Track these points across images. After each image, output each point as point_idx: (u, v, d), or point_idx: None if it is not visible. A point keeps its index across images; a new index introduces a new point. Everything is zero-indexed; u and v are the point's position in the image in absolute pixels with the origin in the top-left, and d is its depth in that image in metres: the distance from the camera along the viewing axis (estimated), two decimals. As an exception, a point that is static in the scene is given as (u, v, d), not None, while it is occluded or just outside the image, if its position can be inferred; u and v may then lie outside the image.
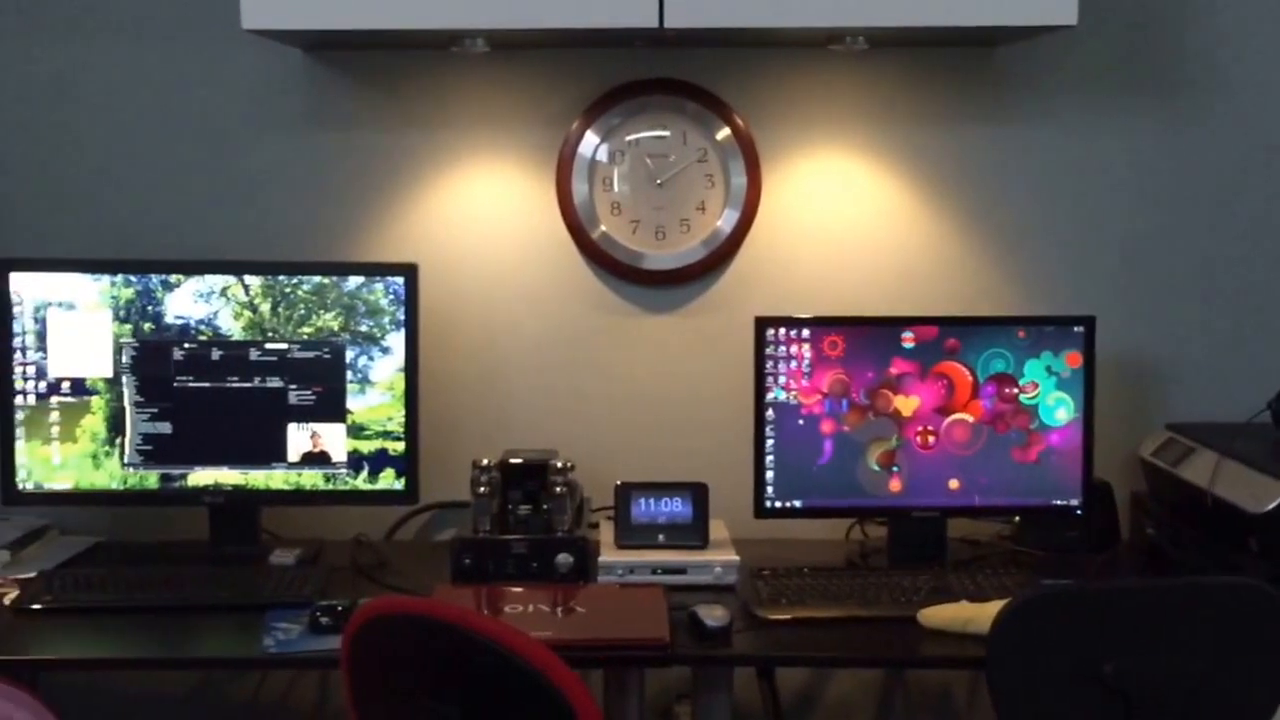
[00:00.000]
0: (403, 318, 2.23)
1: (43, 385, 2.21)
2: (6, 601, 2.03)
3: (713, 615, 1.92)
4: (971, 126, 2.39)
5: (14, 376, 2.21)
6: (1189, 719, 1.68)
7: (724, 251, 2.41)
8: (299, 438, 2.24)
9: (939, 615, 1.93)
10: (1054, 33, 2.21)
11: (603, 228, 2.40)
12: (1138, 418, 2.40)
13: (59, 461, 2.22)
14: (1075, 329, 2.21)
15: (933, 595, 2.01)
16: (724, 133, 2.38)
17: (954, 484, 2.22)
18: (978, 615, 1.89)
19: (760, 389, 2.22)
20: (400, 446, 2.24)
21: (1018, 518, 2.33)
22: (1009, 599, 1.72)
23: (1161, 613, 1.66)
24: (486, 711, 1.55)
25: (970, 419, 2.22)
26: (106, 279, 2.21)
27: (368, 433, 2.24)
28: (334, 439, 2.24)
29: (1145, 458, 2.30)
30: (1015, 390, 2.21)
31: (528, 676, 1.48)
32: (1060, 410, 2.21)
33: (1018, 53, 2.37)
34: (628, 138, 2.39)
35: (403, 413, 2.24)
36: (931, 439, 2.22)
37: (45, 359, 2.21)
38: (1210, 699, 1.67)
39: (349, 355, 2.23)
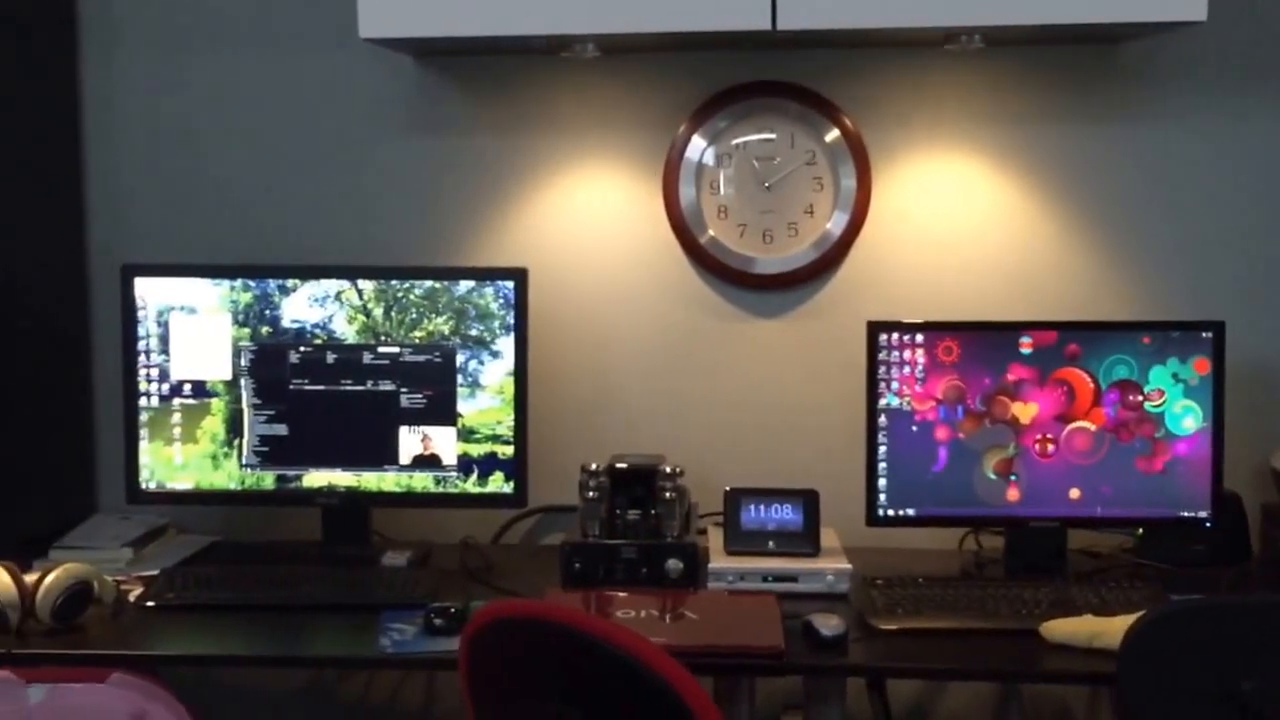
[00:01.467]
0: (512, 322, 2.24)
1: (165, 387, 2.27)
2: (131, 598, 2.08)
3: (828, 624, 1.89)
4: (1092, 126, 2.33)
5: (139, 379, 2.26)
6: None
7: (833, 255, 2.38)
8: (410, 440, 2.26)
9: (1063, 628, 1.87)
10: (1181, 29, 2.14)
11: (710, 232, 2.38)
12: (1267, 426, 2.31)
13: (180, 462, 2.27)
14: (1204, 335, 2.13)
15: (1054, 608, 1.95)
16: (833, 134, 2.35)
17: (1075, 494, 2.16)
18: (1104, 629, 1.83)
19: (872, 395, 2.18)
20: (509, 450, 2.25)
21: (1141, 530, 2.25)
22: (1140, 613, 1.66)
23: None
24: (607, 715, 1.54)
25: (1092, 427, 2.15)
26: (226, 284, 2.25)
27: (478, 436, 2.25)
28: (444, 442, 2.26)
29: (1277, 467, 2.21)
30: (1140, 398, 2.14)
31: (650, 682, 1.46)
32: (1188, 419, 2.14)
33: (1142, 50, 2.30)
34: (734, 141, 2.37)
35: (512, 416, 2.24)
36: (1051, 447, 2.16)
37: (168, 361, 2.26)
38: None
39: (459, 359, 2.25)
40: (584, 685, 1.59)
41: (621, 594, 2.03)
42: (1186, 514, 2.15)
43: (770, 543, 2.16)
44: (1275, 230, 2.33)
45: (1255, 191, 2.32)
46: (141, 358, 2.26)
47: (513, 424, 2.25)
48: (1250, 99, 2.30)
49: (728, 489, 2.20)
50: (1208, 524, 2.15)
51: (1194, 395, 2.14)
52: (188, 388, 2.27)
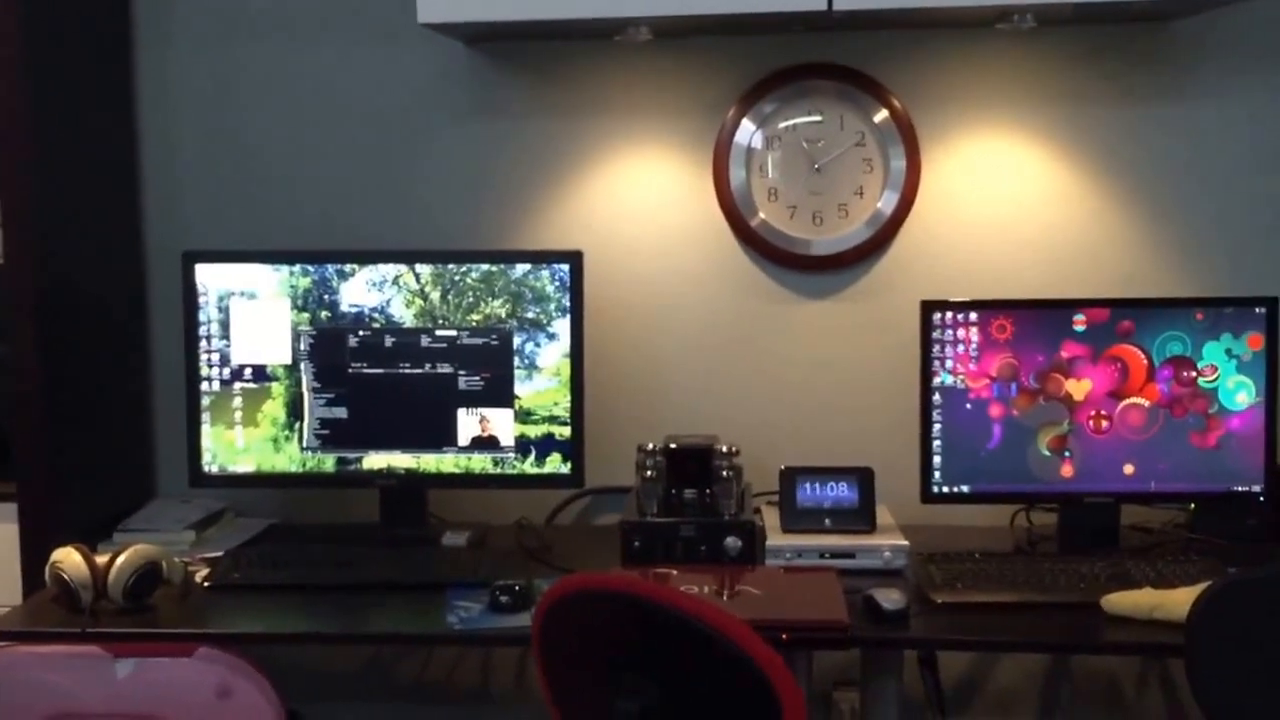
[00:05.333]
0: (568, 304, 2.26)
1: (226, 372, 2.30)
2: (197, 579, 2.11)
3: (889, 598, 1.91)
4: (1141, 105, 2.34)
5: (200, 364, 2.29)
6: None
7: (883, 236, 2.40)
8: (468, 422, 2.29)
9: (1124, 601, 1.89)
10: (1231, 5, 2.15)
11: (761, 214, 2.40)
12: (1318, 402, 2.33)
13: (242, 445, 2.30)
14: (1257, 310, 2.15)
15: (1112, 582, 1.97)
16: (881, 115, 2.37)
17: (1129, 469, 2.18)
18: (1165, 601, 1.85)
19: (926, 373, 2.20)
20: (566, 431, 2.28)
21: (1193, 505, 2.27)
22: (1207, 584, 1.68)
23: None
24: (685, 688, 1.57)
25: (1146, 403, 2.17)
26: (285, 269, 2.28)
27: (535, 417, 2.28)
28: (502, 424, 2.28)
29: (1329, 442, 2.23)
30: (1193, 374, 2.16)
31: (729, 654, 1.49)
32: (1241, 394, 2.16)
33: (1192, 27, 2.31)
34: (783, 124, 2.39)
35: (569, 398, 2.27)
36: (1105, 423, 2.18)
37: (229, 346, 2.29)
38: None
39: (516, 341, 2.27)
40: (660, 657, 1.61)
41: (683, 571, 2.05)
42: (1240, 488, 2.17)
43: (826, 520, 2.18)
44: (1324, 207, 2.34)
45: (1304, 168, 2.34)
46: (203, 343, 2.29)
47: (569, 405, 2.27)
48: (1299, 76, 2.32)
49: (783, 468, 2.22)
50: (1261, 498, 2.17)
51: (1247, 370, 2.16)
52: (248, 372, 2.30)
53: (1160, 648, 1.90)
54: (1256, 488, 2.16)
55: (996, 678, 2.47)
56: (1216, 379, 2.16)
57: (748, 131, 2.39)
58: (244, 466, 2.31)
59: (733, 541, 2.13)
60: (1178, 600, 1.81)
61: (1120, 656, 2.37)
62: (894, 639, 1.92)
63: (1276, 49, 2.31)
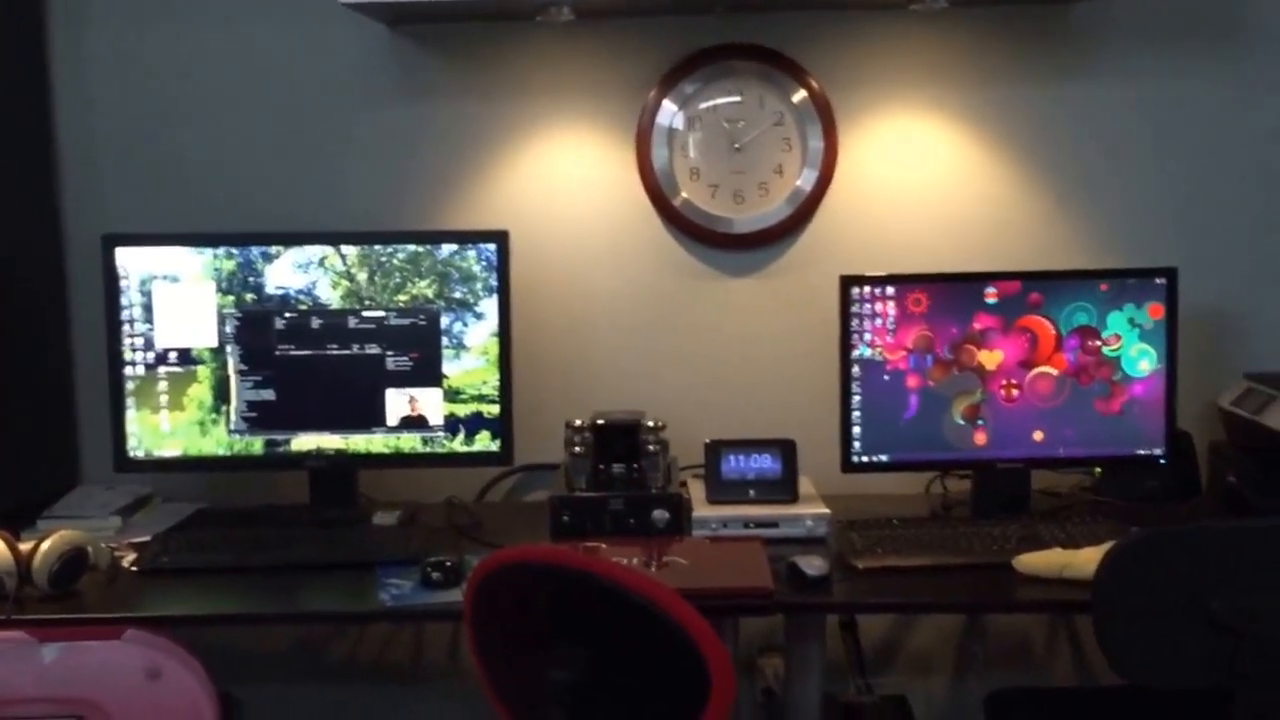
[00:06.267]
0: (495, 283, 2.29)
1: (151, 356, 2.28)
2: (125, 564, 2.11)
3: (812, 565, 1.97)
4: (1049, 85, 2.42)
5: (123, 348, 2.27)
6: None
7: (802, 213, 2.45)
8: (397, 402, 2.30)
9: (1035, 561, 1.97)
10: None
11: (683, 194, 2.45)
12: (1214, 368, 2.44)
13: (168, 429, 2.29)
14: (1157, 281, 2.24)
15: (1023, 543, 2.05)
16: (800, 95, 2.42)
17: (1038, 436, 2.27)
18: (1073, 560, 1.94)
19: (846, 346, 2.26)
20: (495, 409, 2.30)
21: (1099, 469, 2.37)
22: (1114, 542, 1.76)
23: (1265, 551, 1.70)
24: (617, 657, 1.61)
25: (1054, 372, 2.26)
26: (209, 252, 2.27)
27: (463, 396, 2.30)
28: (431, 403, 2.30)
29: (1225, 407, 2.33)
30: (1098, 343, 2.25)
31: (660, 622, 1.53)
32: (1143, 361, 2.25)
33: (1094, 9, 2.39)
34: (704, 104, 2.43)
35: (497, 376, 2.30)
36: (1015, 392, 2.26)
37: (152, 330, 2.28)
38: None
39: (444, 321, 2.29)
40: (591, 628, 1.65)
41: (612, 544, 2.09)
42: (1142, 452, 2.27)
43: (750, 491, 2.23)
44: (1223, 180, 2.44)
45: (1205, 143, 2.43)
46: (125, 327, 2.27)
47: (497, 384, 2.30)
48: (1197, 54, 2.40)
49: (708, 441, 2.27)
50: (1162, 461, 2.27)
51: (1149, 339, 2.25)
52: (173, 355, 2.28)
53: (1069, 605, 1.99)
54: (1158, 451, 2.26)
55: (914, 639, 2.56)
56: (1120, 347, 2.25)
57: (669, 112, 2.42)
58: (170, 451, 2.30)
59: (660, 514, 2.17)
60: (1085, 559, 1.89)
61: (1031, 614, 2.47)
62: (817, 604, 1.98)
63: (1171, 31, 2.40)
